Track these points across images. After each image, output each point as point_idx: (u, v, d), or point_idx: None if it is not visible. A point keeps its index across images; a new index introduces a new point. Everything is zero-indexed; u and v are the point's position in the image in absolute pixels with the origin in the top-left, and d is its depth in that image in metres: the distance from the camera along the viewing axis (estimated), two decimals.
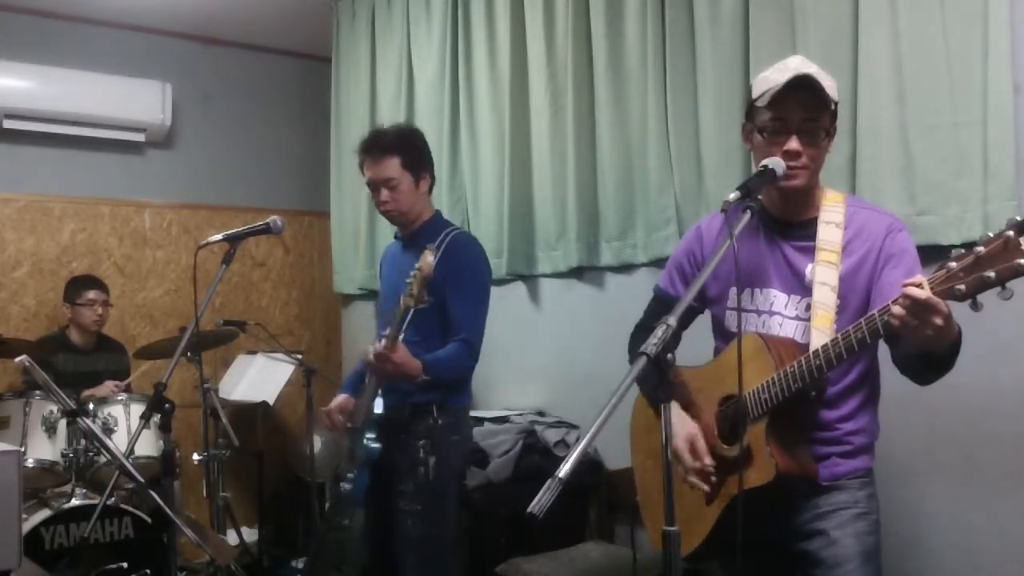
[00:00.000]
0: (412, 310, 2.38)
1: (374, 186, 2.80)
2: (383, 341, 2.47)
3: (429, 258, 2.30)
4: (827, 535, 1.82)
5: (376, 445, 2.68)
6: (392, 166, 2.75)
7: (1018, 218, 1.40)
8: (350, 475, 2.76)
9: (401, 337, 2.55)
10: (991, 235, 1.43)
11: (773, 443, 1.76)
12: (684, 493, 1.91)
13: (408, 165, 2.77)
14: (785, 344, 1.83)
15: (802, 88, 1.77)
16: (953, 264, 1.46)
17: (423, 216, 2.86)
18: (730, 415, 1.87)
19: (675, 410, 1.91)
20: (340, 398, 2.89)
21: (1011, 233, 1.40)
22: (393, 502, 2.73)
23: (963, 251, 1.47)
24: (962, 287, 1.45)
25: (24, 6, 4.68)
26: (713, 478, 1.86)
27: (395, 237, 2.99)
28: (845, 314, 1.80)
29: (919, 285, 1.49)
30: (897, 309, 1.52)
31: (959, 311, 1.50)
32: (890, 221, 1.87)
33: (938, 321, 1.48)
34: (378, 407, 2.72)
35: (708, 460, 1.85)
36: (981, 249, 1.43)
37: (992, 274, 1.41)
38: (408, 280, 2.34)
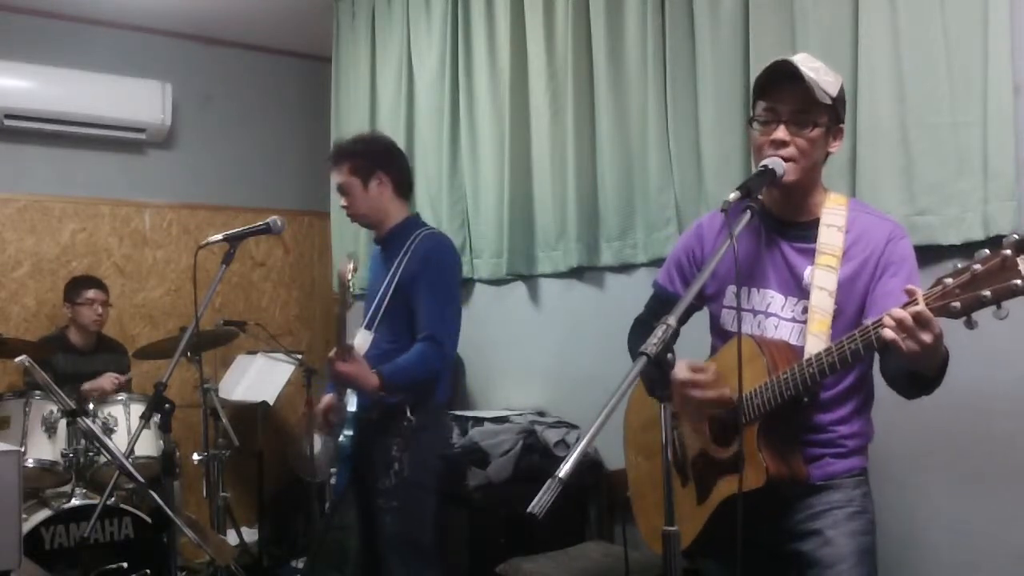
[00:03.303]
0: (343, 314, 2.54)
1: (337, 191, 2.97)
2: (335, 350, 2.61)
3: (345, 264, 2.47)
4: (822, 535, 1.81)
5: (347, 442, 2.75)
6: (341, 172, 2.88)
7: (1016, 236, 1.39)
8: (333, 470, 2.87)
9: (367, 344, 2.73)
10: (988, 252, 1.41)
11: (764, 448, 1.76)
12: (675, 493, 1.91)
13: (355, 170, 2.86)
14: (779, 347, 1.82)
15: (791, 79, 1.77)
16: (949, 280, 1.45)
17: (391, 219, 2.91)
18: (724, 417, 1.86)
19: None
20: (326, 398, 2.94)
21: (1008, 252, 1.38)
22: (372, 500, 2.79)
23: (959, 267, 1.45)
24: (957, 304, 1.43)
25: (24, 6, 4.68)
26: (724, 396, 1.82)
27: (374, 241, 3.04)
28: (841, 319, 1.80)
29: (913, 297, 1.49)
30: (888, 321, 1.51)
31: (954, 323, 1.49)
32: (891, 228, 1.85)
33: (927, 338, 1.47)
34: (352, 406, 2.78)
35: (713, 371, 1.82)
36: (978, 267, 1.41)
37: (988, 293, 1.40)
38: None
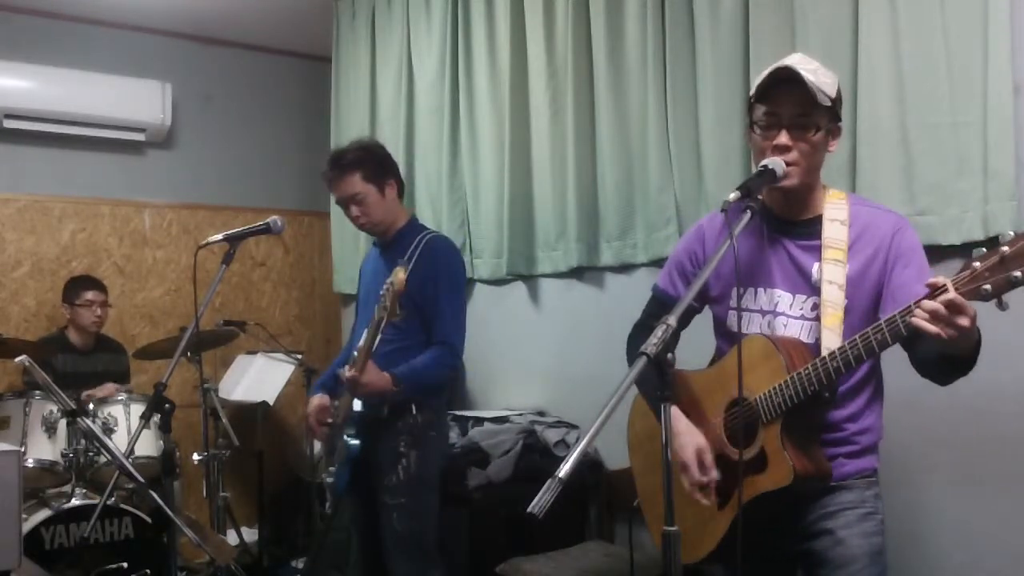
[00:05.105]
0: (384, 322, 2.43)
1: (343, 204, 2.91)
2: (353, 366, 2.56)
3: (401, 274, 2.36)
4: (834, 535, 1.82)
5: (356, 442, 2.77)
6: (354, 182, 2.84)
7: None
8: (331, 468, 2.87)
9: (375, 345, 2.63)
10: (1013, 234, 1.43)
11: (789, 445, 1.75)
12: (697, 499, 1.91)
13: (369, 177, 2.86)
14: (794, 345, 1.82)
15: (791, 83, 1.76)
16: (977, 264, 1.46)
17: (398, 222, 2.95)
18: (742, 420, 1.85)
19: (681, 418, 1.90)
20: (315, 399, 2.95)
21: None
22: (377, 497, 2.81)
23: (985, 250, 1.46)
24: (988, 287, 1.44)
25: (24, 6, 4.68)
26: (712, 498, 1.85)
27: (373, 244, 3.06)
28: (852, 315, 1.79)
29: (943, 286, 1.49)
30: (921, 313, 1.50)
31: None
32: (895, 219, 1.86)
33: (963, 323, 1.47)
34: (358, 404, 2.79)
35: (715, 474, 1.84)
36: (1006, 249, 1.42)
37: (1018, 273, 1.41)
38: (381, 293, 2.40)
